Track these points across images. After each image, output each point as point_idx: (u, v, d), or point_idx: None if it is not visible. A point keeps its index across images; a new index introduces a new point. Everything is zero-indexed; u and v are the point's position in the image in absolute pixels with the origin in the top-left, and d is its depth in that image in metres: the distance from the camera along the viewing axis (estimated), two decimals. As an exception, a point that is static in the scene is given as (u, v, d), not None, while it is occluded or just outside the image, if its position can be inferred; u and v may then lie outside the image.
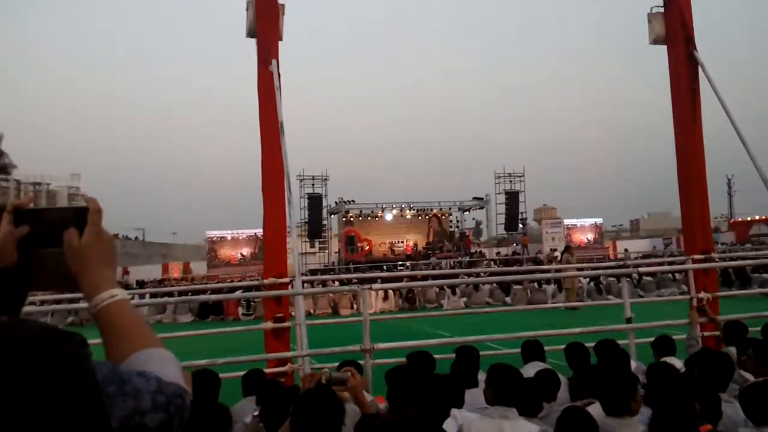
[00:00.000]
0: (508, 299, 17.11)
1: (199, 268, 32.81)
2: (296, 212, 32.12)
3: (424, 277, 17.00)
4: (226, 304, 17.15)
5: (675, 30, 7.27)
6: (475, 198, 37.02)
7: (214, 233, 32.10)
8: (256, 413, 3.31)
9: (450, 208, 36.91)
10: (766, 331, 4.72)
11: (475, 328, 11.03)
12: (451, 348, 5.68)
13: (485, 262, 30.53)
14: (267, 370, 5.65)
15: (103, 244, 1.07)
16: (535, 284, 17.00)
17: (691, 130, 7.14)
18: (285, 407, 2.99)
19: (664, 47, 7.44)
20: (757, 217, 42.65)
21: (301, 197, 32.59)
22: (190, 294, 11.12)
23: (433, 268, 26.21)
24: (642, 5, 7.67)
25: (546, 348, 4.74)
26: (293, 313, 6.20)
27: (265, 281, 6.09)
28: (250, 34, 6.65)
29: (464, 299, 17.25)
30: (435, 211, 36.35)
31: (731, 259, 13.58)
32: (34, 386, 0.78)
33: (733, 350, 4.28)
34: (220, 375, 4.88)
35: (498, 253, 35.20)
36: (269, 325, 5.96)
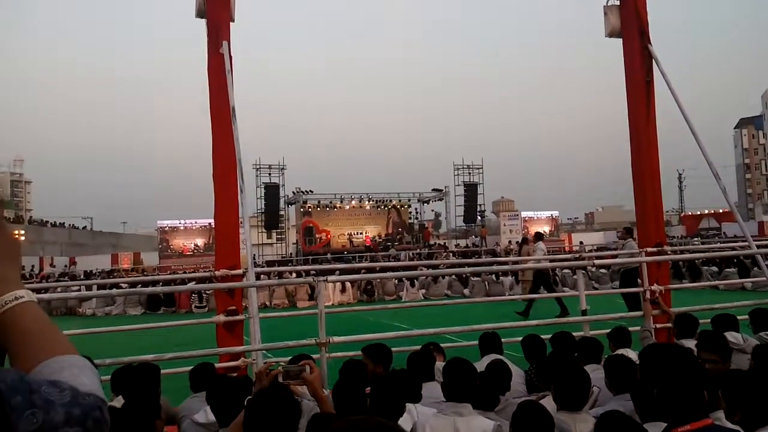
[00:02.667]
0: (466, 291, 17.21)
1: (150, 258, 31.99)
2: (250, 202, 31.58)
3: (383, 269, 16.93)
4: (177, 297, 16.71)
5: (630, 23, 7.33)
6: (434, 190, 37.17)
7: (166, 223, 31.31)
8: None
9: (409, 200, 36.98)
10: (715, 323, 4.79)
11: (434, 321, 11.04)
12: (408, 341, 5.62)
13: (444, 253, 30.69)
14: (219, 365, 5.46)
15: (5, 239, 0.94)
16: (493, 276, 17.14)
17: (644, 124, 7.23)
18: (238, 401, 2.85)
19: (620, 40, 7.50)
20: (707, 211, 44.31)
21: (257, 186, 32.07)
22: (139, 285, 10.81)
23: (393, 260, 26.20)
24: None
25: (504, 340, 4.70)
26: (247, 306, 6.00)
27: (217, 273, 5.88)
28: (200, 14, 6.37)
29: (423, 291, 17.27)
30: (394, 202, 36.36)
31: (683, 252, 13.96)
32: None
33: (691, 343, 4.32)
34: (170, 370, 4.70)
35: (457, 245, 35.48)
36: (221, 318, 5.75)
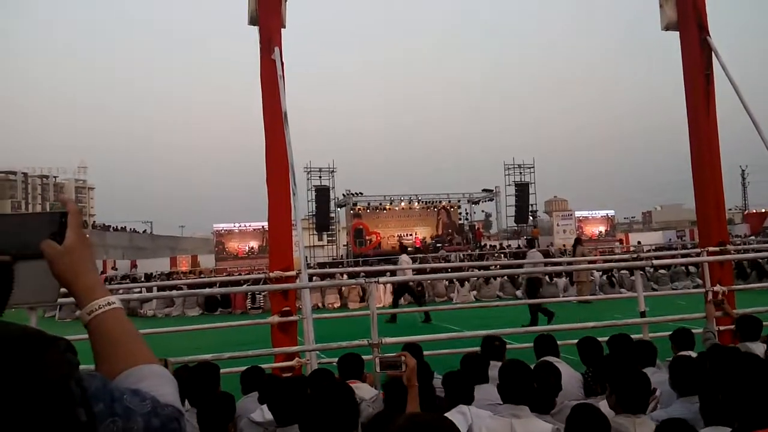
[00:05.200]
0: (518, 293, 16.95)
1: (207, 261, 32.86)
2: (302, 204, 32.16)
3: (434, 271, 16.87)
4: (233, 298, 17.12)
5: (687, 15, 7.08)
6: (484, 190, 36.79)
7: (222, 226, 32.09)
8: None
9: (459, 201, 36.70)
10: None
11: (486, 323, 10.93)
12: (460, 342, 5.59)
13: (495, 254, 30.33)
14: (274, 365, 5.59)
15: (88, 247, 0.99)
16: (547, 277, 16.82)
17: (704, 119, 6.96)
18: (292, 400, 2.90)
19: (677, 34, 7.25)
20: (772, 209, 42.12)
21: (308, 189, 32.53)
22: (197, 287, 11.16)
23: (443, 262, 26.07)
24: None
25: (559, 342, 4.62)
26: (300, 307, 6.11)
27: (271, 274, 6.00)
28: (252, 21, 6.53)
29: (474, 293, 17.11)
30: (444, 203, 36.17)
31: (746, 251, 13.34)
32: (11, 399, 0.67)
33: (761, 347, 4.14)
34: (227, 369, 4.83)
35: (509, 246, 35.02)
36: (276, 319, 5.88)
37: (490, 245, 34.94)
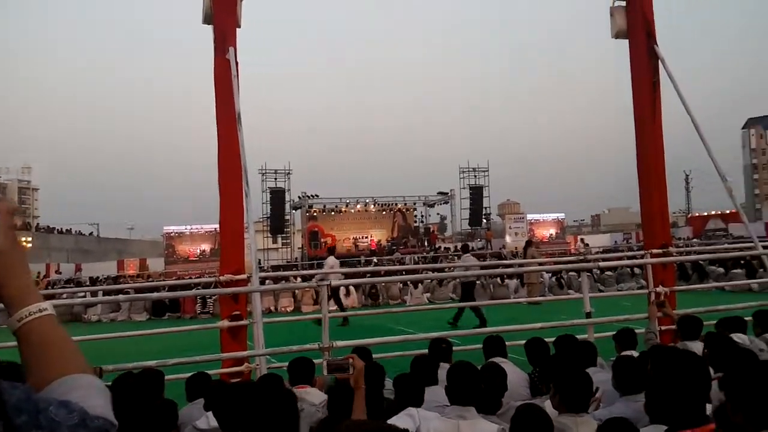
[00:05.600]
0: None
1: (156, 264, 32.07)
2: (256, 207, 31.68)
3: (388, 273, 16.91)
4: (182, 302, 16.74)
5: (636, 24, 7.31)
6: (439, 193, 37.17)
7: (172, 228, 31.39)
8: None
9: (414, 203, 36.98)
10: (722, 325, 4.76)
11: (439, 325, 11.03)
12: (412, 345, 5.62)
13: (449, 257, 30.65)
14: (222, 371, 5.49)
15: (19, 250, 0.93)
16: (498, 279, 17.10)
17: (651, 125, 7.20)
18: (238, 406, 2.85)
19: (626, 41, 7.48)
20: (714, 212, 44.04)
21: (263, 191, 32.14)
22: (144, 291, 10.85)
23: (398, 264, 26.17)
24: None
25: (508, 343, 4.69)
26: (251, 311, 6.02)
27: (221, 278, 5.89)
28: (207, 20, 6.41)
29: (428, 295, 17.23)
30: (399, 205, 36.37)
31: (689, 253, 13.90)
32: None
33: (699, 345, 4.29)
34: (172, 376, 4.72)
35: (472, 249, 35.39)
36: (225, 323, 5.76)
37: (445, 247, 35.28)
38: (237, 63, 6.22)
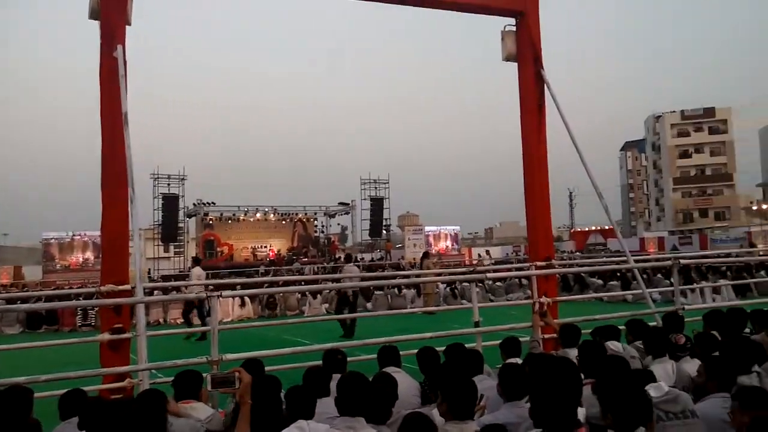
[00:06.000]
0: (369, 305, 17.29)
1: (33, 273, 29.53)
2: (146, 213, 30.17)
3: (286, 283, 16.66)
4: (61, 314, 15.53)
5: (525, 48, 7.74)
6: (340, 203, 37.24)
7: (52, 234, 29.06)
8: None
9: (315, 213, 36.79)
10: (598, 333, 5.10)
11: (337, 335, 10.99)
12: (308, 356, 5.54)
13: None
14: (102, 387, 5.13)
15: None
16: (395, 290, 17.37)
17: (536, 145, 7.64)
18: (113, 425, 2.66)
19: (516, 65, 7.90)
20: (594, 228, 47.51)
21: (154, 197, 30.61)
22: (19, 302, 9.90)
23: (297, 274, 25.86)
24: (501, 22, 8.05)
25: (402, 353, 4.75)
26: (135, 323, 5.67)
27: (102, 288, 5.51)
28: (93, 15, 6.03)
29: (326, 305, 17.16)
30: (300, 215, 36.03)
31: (570, 266, 14.85)
32: None
33: (573, 352, 4.56)
34: (45, 393, 4.34)
35: (362, 259, 35.66)
36: (105, 336, 5.40)
37: (361, 257, 35.36)
38: (125, 62, 5.91)
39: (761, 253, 20.84)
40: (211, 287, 11.43)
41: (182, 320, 13.18)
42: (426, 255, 19.05)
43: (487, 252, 36.09)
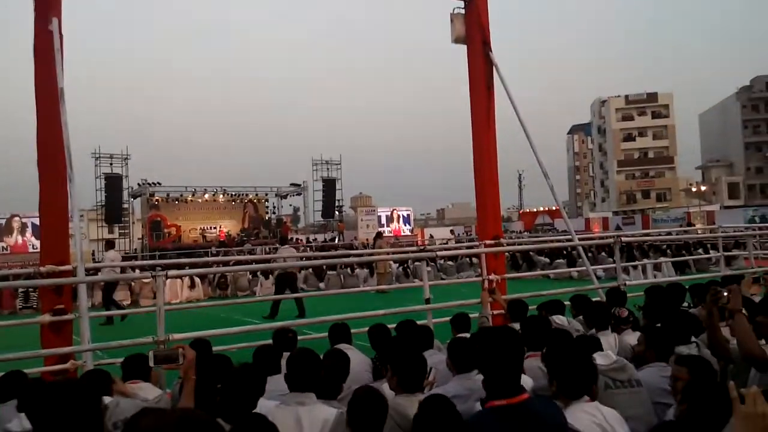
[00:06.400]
0: (321, 285, 17.28)
1: (-32, 255, 28.13)
2: (89, 194, 29.17)
3: (237, 263, 16.44)
4: (-1, 296, 14.92)
5: (473, 30, 7.77)
6: (292, 184, 36.87)
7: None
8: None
9: (266, 194, 36.31)
10: (544, 308, 5.27)
11: (288, 314, 10.95)
12: (256, 336, 5.50)
13: (302, 248, 30.58)
14: (44, 369, 4.96)
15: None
16: (348, 269, 17.40)
17: (485, 128, 7.72)
18: (57, 405, 2.57)
19: (465, 47, 7.92)
20: (542, 208, 48.71)
21: (96, 177, 29.55)
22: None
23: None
24: (450, 4, 8.05)
25: (354, 330, 4.78)
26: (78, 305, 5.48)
27: (42, 269, 5.29)
28: (28, -14, 5.70)
29: (277, 285, 17.04)
30: (251, 196, 35.50)
31: (518, 245, 15.20)
32: None
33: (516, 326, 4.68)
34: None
35: (315, 240, 35.53)
36: (46, 318, 5.21)
37: (297, 239, 35.13)
38: (61, 35, 5.64)
39: (699, 232, 21.85)
40: (158, 267, 11.15)
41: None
42: (379, 235, 19.15)
43: (452, 231, 36.55)
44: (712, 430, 2.18)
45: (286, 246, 12.99)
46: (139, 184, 31.48)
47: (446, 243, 27.91)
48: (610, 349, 4.05)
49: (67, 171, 5.29)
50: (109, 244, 14.25)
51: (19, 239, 27.77)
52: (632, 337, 4.25)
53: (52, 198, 5.46)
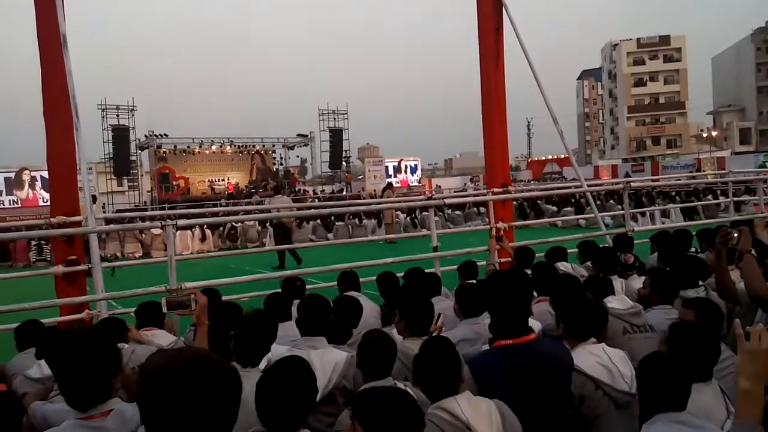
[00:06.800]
0: (330, 235, 17.40)
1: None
2: (96, 146, 29.16)
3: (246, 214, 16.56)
4: (13, 249, 15.14)
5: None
6: (299, 135, 36.63)
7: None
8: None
9: (274, 145, 36.15)
10: (548, 255, 5.29)
11: (295, 264, 11.08)
12: (266, 284, 5.58)
13: (309, 199, 30.67)
14: (60, 319, 5.08)
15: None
16: (356, 220, 17.47)
17: (494, 72, 7.54)
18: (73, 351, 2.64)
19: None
20: (551, 157, 48.30)
21: (103, 129, 29.49)
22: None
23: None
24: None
25: (363, 279, 4.84)
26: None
27: (53, 220, 5.34)
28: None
29: (287, 237, 17.17)
30: (258, 147, 35.37)
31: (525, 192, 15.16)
32: None
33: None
34: (3, 327, 4.27)
35: (323, 191, 35.57)
36: (60, 269, 5.29)
37: (304, 190, 35.18)
38: (61, -22, 5.48)
39: (709, 177, 21.66)
40: (168, 218, 11.25)
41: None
42: (389, 186, 19.15)
43: (439, 186, 36.41)
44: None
45: (279, 195, 13.01)
46: (146, 136, 31.41)
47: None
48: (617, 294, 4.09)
49: (74, 120, 5.26)
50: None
51: (30, 193, 27.88)
52: (638, 282, 4.27)
53: (59, 149, 5.45)
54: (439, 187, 35.87)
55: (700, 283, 3.75)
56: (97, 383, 1.87)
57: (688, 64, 68.33)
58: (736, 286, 3.38)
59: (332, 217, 17.39)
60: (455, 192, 30.27)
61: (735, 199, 11.20)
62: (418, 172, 39.82)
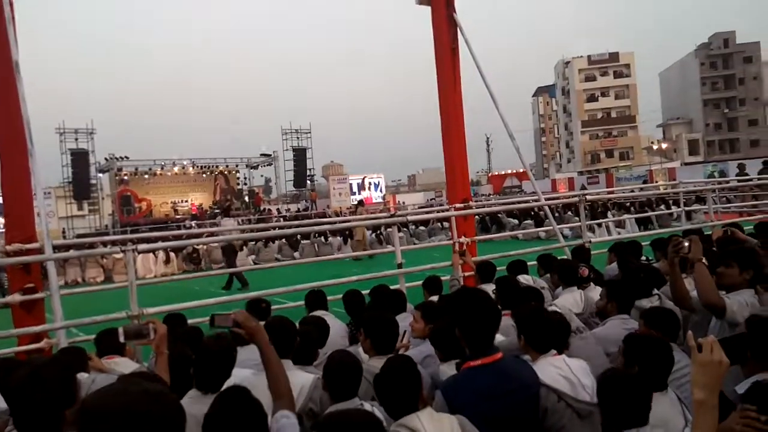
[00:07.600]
0: (296, 254, 17.31)
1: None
2: (55, 170, 28.40)
3: (210, 236, 16.35)
4: (-35, 279, 14.57)
5: (436, -9, 7.66)
6: (262, 155, 36.42)
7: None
8: None
9: (237, 165, 35.84)
10: (509, 269, 5.39)
11: (263, 285, 10.98)
12: (230, 307, 5.52)
13: (275, 218, 30.46)
14: (19, 349, 4.94)
15: None
16: (322, 238, 17.44)
17: (451, 90, 7.71)
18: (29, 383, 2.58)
19: (428, 8, 7.83)
20: (510, 171, 49.16)
21: (62, 153, 28.78)
22: None
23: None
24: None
25: (331, 298, 4.85)
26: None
27: (9, 248, 5.20)
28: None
29: (252, 257, 17.01)
30: (221, 168, 35.01)
31: (486, 207, 15.40)
32: None
33: (490, 287, 4.79)
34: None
35: (288, 210, 35.38)
36: (16, 297, 5.15)
37: (268, 209, 34.92)
38: (12, 5, 5.43)
39: (661, 188, 22.38)
40: (129, 242, 11.04)
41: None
42: (361, 203, 19.40)
43: (403, 203, 36.76)
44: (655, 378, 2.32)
45: (228, 218, 13.17)
46: (106, 159, 30.80)
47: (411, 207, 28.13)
48: (576, 305, 4.20)
49: (28, 146, 5.16)
50: None
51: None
52: (595, 293, 4.37)
53: (14, 175, 5.33)
54: (403, 203, 36.08)
55: (655, 291, 3.88)
56: (48, 415, 1.84)
57: (637, 80, 70.85)
58: (690, 294, 3.50)
59: (298, 236, 17.31)
60: (419, 207, 30.52)
61: (686, 208, 11.63)
62: (382, 188, 40.02)
